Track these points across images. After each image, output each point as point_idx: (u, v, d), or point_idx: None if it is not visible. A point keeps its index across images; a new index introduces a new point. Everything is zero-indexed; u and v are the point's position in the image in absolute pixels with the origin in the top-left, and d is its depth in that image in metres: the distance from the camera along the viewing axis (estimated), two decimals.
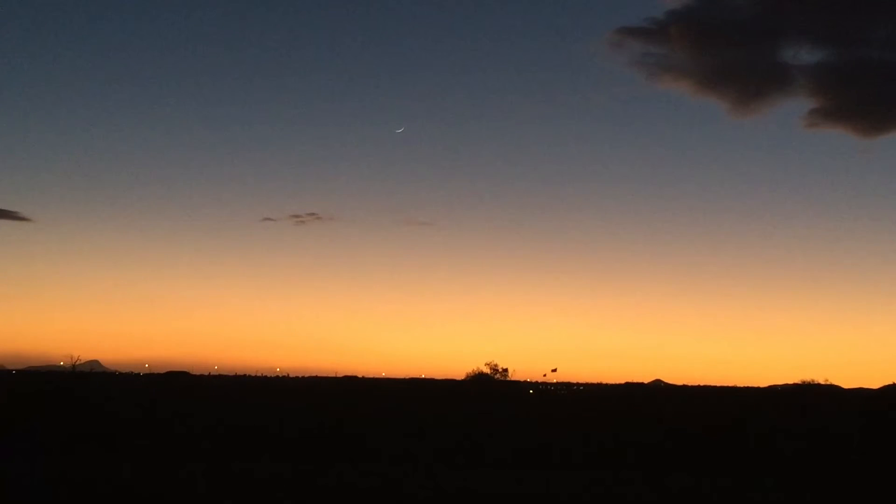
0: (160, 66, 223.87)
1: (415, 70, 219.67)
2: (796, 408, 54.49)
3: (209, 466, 25.86)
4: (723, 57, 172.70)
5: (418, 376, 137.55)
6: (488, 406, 47.39)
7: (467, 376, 65.39)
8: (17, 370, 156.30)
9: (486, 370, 63.28)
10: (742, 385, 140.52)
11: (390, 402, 57.63)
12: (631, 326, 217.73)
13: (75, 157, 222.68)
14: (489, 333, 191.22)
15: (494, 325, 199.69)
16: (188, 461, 26.91)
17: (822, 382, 77.28)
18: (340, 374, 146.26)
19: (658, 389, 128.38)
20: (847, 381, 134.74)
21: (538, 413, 49.43)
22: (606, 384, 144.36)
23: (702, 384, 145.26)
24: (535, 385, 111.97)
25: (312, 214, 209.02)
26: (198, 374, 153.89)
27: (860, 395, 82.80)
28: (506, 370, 63.57)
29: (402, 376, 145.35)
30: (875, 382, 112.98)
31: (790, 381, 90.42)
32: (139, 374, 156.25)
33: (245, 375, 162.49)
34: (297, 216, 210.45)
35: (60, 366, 58.87)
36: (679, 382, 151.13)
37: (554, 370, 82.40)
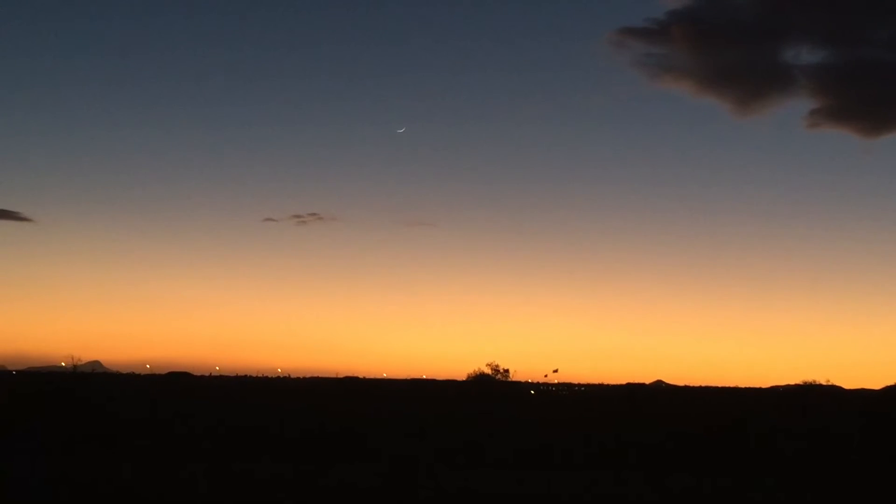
0: (161, 67, 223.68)
1: (416, 70, 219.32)
2: (797, 408, 54.48)
3: (210, 467, 25.87)
4: (724, 57, 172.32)
5: (419, 377, 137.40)
6: (489, 406, 47.40)
7: (469, 377, 65.44)
8: (18, 370, 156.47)
9: (488, 371, 63.34)
10: (743, 386, 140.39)
11: (391, 402, 57.64)
12: (632, 327, 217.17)
13: (77, 157, 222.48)
14: (490, 334, 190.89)
15: (496, 326, 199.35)
16: (189, 461, 26.92)
17: (823, 383, 77.30)
18: (342, 375, 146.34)
19: (659, 390, 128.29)
20: (848, 381, 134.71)
21: (539, 413, 49.44)
22: (608, 385, 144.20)
23: (703, 385, 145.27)
24: (536, 385, 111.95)
25: (314, 215, 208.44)
26: (199, 374, 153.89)
27: (861, 396, 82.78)
28: (507, 371, 63.64)
29: (403, 377, 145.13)
30: (877, 383, 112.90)
31: (792, 382, 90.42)
32: (140, 374, 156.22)
33: (246, 376, 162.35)
34: (298, 216, 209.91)
35: (62, 366, 58.88)
36: (680, 383, 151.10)
37: (555, 371, 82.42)
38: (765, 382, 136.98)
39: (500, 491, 23.19)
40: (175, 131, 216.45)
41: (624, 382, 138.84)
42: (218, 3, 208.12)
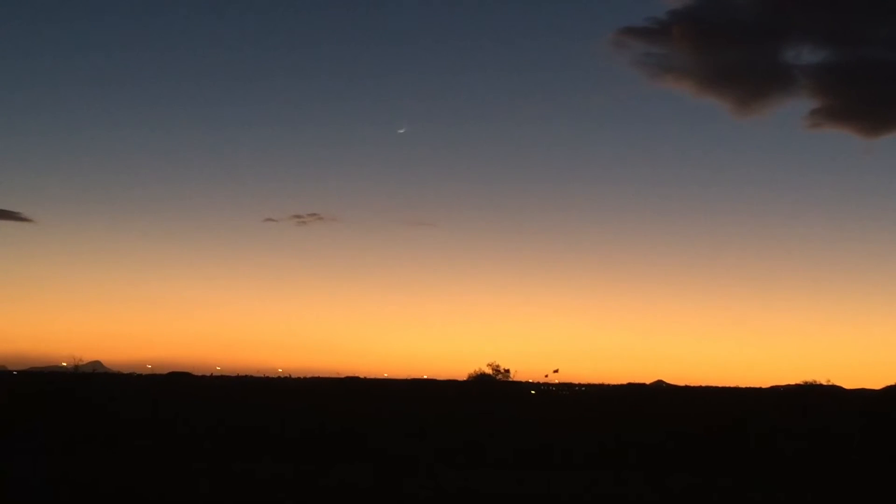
0: (161, 67, 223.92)
1: (417, 70, 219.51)
2: (798, 408, 54.50)
3: (211, 466, 25.92)
4: (724, 57, 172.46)
5: (420, 377, 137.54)
6: (490, 406, 47.43)
7: (469, 377, 65.47)
8: (19, 371, 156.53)
9: (488, 371, 63.36)
10: (744, 386, 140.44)
11: (392, 402, 57.68)
12: (633, 327, 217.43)
13: (77, 157, 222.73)
14: (491, 334, 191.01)
15: (496, 326, 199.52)
16: (190, 461, 26.96)
17: (824, 383, 77.30)
18: (342, 375, 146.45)
19: (660, 390, 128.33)
20: (849, 381, 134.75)
21: (540, 413, 49.46)
22: (608, 385, 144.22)
23: (703, 385, 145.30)
24: (536, 386, 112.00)
25: (314, 215, 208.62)
26: (200, 374, 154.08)
27: (862, 396, 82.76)
28: (508, 371, 63.65)
29: (403, 377, 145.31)
30: (877, 383, 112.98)
31: (792, 382, 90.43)
32: (141, 374, 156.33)
33: (247, 376, 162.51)
34: (298, 216, 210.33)
35: (63, 366, 58.94)
36: (681, 383, 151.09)
37: (556, 371, 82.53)
38: (765, 382, 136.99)
39: (500, 491, 23.22)
40: (175, 131, 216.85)
41: (624, 382, 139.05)
42: (218, 3, 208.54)
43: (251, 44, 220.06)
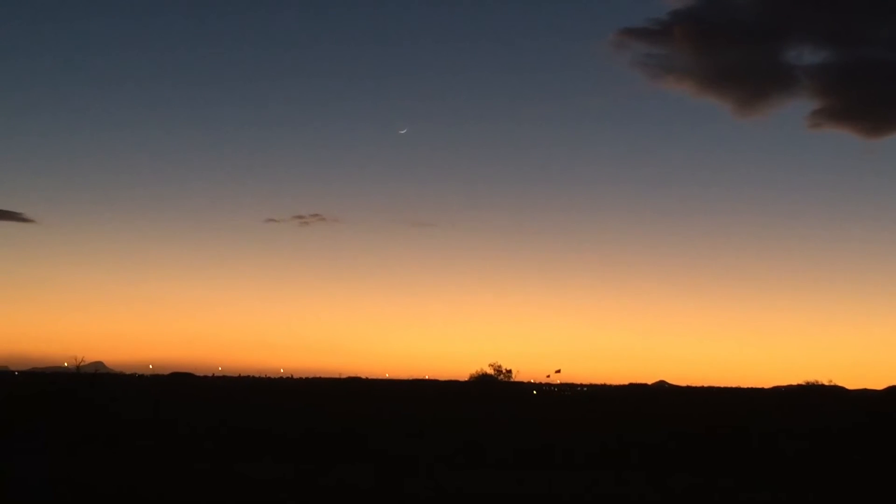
0: (162, 67, 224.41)
1: (418, 71, 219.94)
2: (800, 408, 54.49)
3: (212, 467, 25.93)
4: (725, 57, 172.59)
5: (422, 377, 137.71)
6: (492, 407, 47.48)
7: (471, 377, 65.58)
8: (21, 371, 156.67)
9: (490, 371, 63.48)
10: (746, 386, 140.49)
11: (393, 402, 57.72)
12: (634, 328, 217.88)
13: (79, 158, 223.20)
14: (492, 334, 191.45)
15: (498, 327, 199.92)
16: (192, 462, 26.98)
17: (826, 384, 77.38)
18: (344, 376, 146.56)
19: (661, 390, 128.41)
20: (851, 382, 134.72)
21: (541, 414, 49.49)
22: (610, 385, 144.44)
23: (705, 385, 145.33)
24: (538, 386, 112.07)
25: (316, 215, 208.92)
26: (202, 374, 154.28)
27: (864, 397, 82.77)
28: (510, 371, 63.78)
29: (405, 377, 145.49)
30: (879, 383, 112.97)
31: (794, 383, 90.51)
32: (143, 375, 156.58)
33: (249, 376, 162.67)
34: (300, 217, 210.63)
35: (65, 367, 58.98)
36: (683, 383, 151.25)
37: (558, 371, 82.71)
38: (767, 383, 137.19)
39: (501, 491, 23.21)
40: (176, 131, 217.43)
41: (626, 383, 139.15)
42: (218, 3, 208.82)
43: (251, 44, 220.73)
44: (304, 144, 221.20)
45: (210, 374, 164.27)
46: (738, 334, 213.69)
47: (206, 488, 22.22)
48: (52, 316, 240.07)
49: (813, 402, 63.46)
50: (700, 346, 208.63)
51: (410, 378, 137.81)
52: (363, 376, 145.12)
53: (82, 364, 46.71)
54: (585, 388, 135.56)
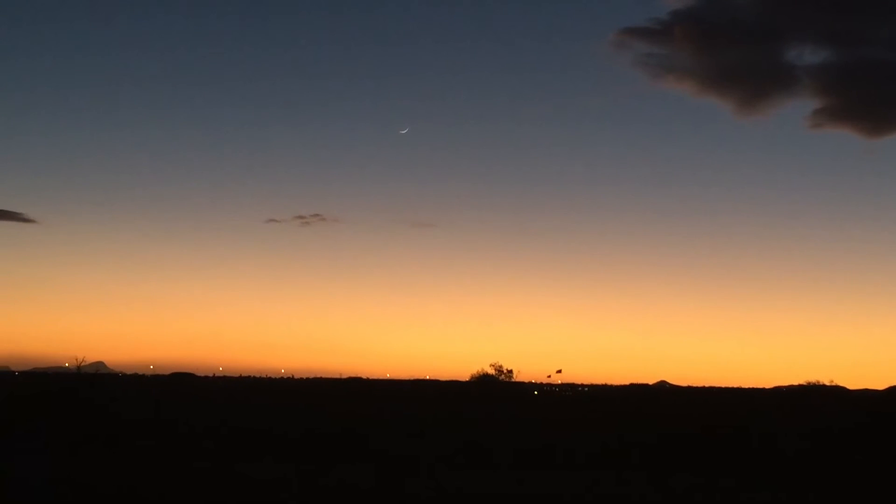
0: (163, 67, 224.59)
1: (419, 71, 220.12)
2: (801, 408, 54.45)
3: (213, 467, 25.93)
4: (726, 57, 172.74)
5: (423, 377, 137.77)
6: (492, 407, 47.44)
7: (472, 377, 65.47)
8: (21, 371, 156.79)
9: (491, 371, 63.35)
10: (747, 386, 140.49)
11: (394, 402, 57.71)
12: (635, 328, 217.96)
13: (79, 158, 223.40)
14: (493, 335, 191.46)
15: (499, 327, 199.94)
16: (192, 461, 26.97)
17: (827, 384, 77.31)
18: (345, 376, 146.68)
19: (662, 391, 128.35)
20: (852, 382, 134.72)
21: (542, 414, 49.46)
22: (611, 385, 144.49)
23: (706, 385, 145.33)
24: (539, 386, 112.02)
25: (317, 216, 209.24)
26: (202, 375, 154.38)
27: (865, 397, 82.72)
28: (511, 371, 63.65)
29: (406, 377, 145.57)
30: (880, 384, 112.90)
31: (795, 383, 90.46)
32: (144, 375, 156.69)
33: (249, 376, 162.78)
34: (301, 217, 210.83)
35: (65, 367, 58.98)
36: (683, 383, 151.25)
37: (559, 371, 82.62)
38: (768, 383, 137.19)
39: (501, 491, 23.19)
40: (176, 132, 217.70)
41: (627, 383, 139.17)
42: (218, 3, 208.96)
43: (251, 44, 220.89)
44: (304, 144, 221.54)
45: (211, 375, 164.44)
46: (739, 334, 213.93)
47: (207, 488, 22.21)
48: (53, 316, 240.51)
49: (814, 402, 63.40)
50: (701, 346, 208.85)
51: (411, 378, 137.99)
52: (364, 376, 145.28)
53: (83, 364, 46.62)
54: (586, 388, 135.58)
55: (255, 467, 26.42)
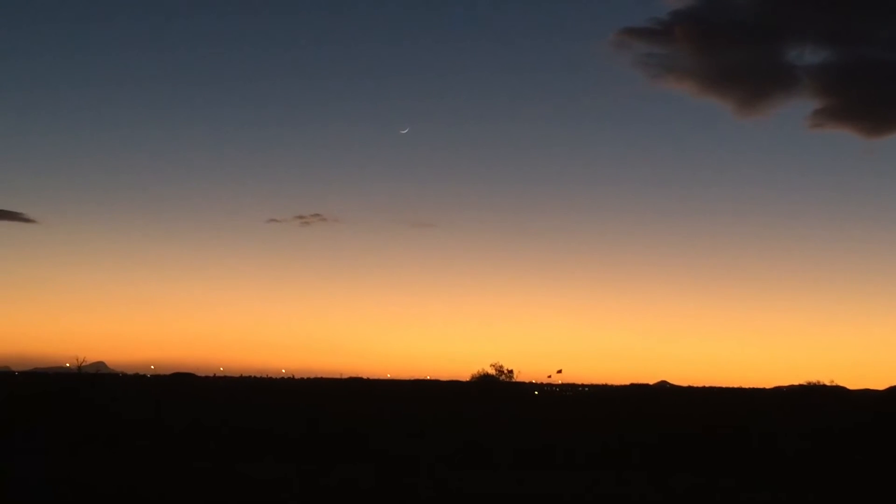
0: (164, 67, 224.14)
1: (419, 71, 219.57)
2: (801, 409, 54.42)
3: (214, 467, 25.94)
4: (726, 57, 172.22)
5: (423, 377, 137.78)
6: (493, 407, 47.41)
7: (472, 377, 65.38)
8: (21, 371, 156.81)
9: (492, 371, 63.25)
10: (747, 386, 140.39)
11: (394, 403, 57.71)
12: (636, 328, 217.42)
13: (80, 158, 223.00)
14: (493, 335, 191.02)
15: (499, 327, 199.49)
16: (193, 461, 26.98)
17: (827, 384, 77.17)
18: (345, 376, 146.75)
19: (663, 390, 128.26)
20: (852, 382, 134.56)
21: (543, 414, 49.45)
22: (611, 385, 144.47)
23: (707, 385, 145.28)
24: (539, 386, 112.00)
25: (317, 215, 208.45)
26: (203, 375, 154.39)
27: (866, 397, 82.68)
28: (511, 371, 63.55)
29: (406, 377, 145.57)
30: (881, 384, 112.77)
31: (796, 383, 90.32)
32: (145, 375, 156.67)
33: (250, 377, 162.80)
34: (301, 217, 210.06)
35: (66, 367, 58.99)
36: (684, 383, 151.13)
37: (559, 371, 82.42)
38: (768, 383, 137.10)
39: (501, 491, 23.20)
40: (178, 132, 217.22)
41: (628, 383, 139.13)
42: (218, 3, 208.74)
43: (251, 44, 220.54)
44: (304, 144, 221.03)
45: (211, 375, 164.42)
46: (740, 334, 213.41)
47: (208, 488, 22.22)
48: (54, 316, 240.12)
49: (814, 402, 63.35)
50: (701, 346, 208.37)
51: (411, 378, 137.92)
52: (364, 376, 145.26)
53: (83, 364, 46.64)
54: (587, 388, 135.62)
55: (255, 467, 26.44)
